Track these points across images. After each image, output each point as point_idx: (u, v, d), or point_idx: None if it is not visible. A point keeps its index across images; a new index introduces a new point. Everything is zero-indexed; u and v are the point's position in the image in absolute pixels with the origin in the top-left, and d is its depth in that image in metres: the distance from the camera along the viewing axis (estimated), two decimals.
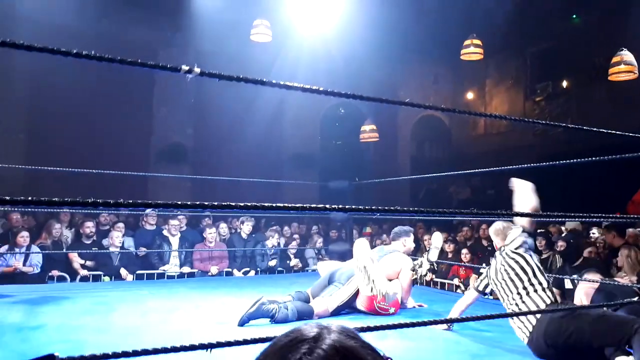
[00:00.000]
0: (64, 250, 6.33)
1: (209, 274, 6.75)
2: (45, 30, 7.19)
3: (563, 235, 6.24)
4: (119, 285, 5.91)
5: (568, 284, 5.16)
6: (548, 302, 3.06)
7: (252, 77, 1.66)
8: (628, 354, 2.76)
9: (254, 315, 3.86)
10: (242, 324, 3.82)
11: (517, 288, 3.14)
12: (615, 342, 2.75)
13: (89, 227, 6.47)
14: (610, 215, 4.23)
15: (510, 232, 3.40)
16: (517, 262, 3.22)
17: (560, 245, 5.70)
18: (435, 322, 2.72)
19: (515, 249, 3.28)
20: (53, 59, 1.67)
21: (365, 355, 0.63)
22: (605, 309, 3.07)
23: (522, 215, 3.26)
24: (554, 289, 5.17)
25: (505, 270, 3.24)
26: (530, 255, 3.27)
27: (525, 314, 2.99)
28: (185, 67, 1.46)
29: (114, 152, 8.84)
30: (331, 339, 0.63)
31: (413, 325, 1.93)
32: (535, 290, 3.10)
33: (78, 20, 8.28)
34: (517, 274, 3.18)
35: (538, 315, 2.98)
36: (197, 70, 1.50)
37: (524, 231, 3.33)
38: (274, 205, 1.54)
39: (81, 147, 8.67)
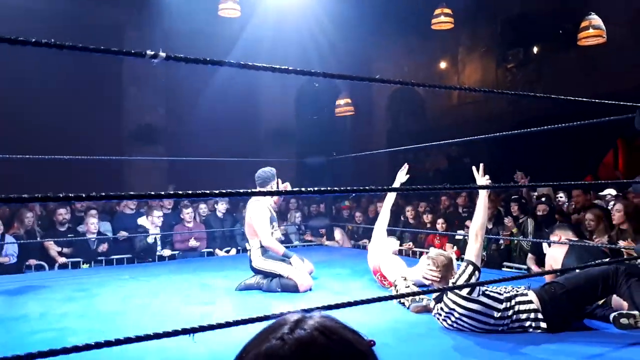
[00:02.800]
0: (39, 239, 6.22)
1: (190, 246, 6.71)
2: (7, 11, 6.91)
3: (543, 200, 6.36)
4: (98, 271, 5.86)
5: (546, 249, 5.30)
6: (531, 299, 2.99)
7: (221, 55, 1.63)
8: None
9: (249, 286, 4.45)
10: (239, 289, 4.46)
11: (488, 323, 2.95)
12: (605, 294, 2.96)
13: (62, 214, 6.36)
14: (580, 182, 4.35)
15: (459, 270, 3.06)
16: (476, 311, 2.91)
17: (541, 209, 5.81)
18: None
19: (468, 294, 2.90)
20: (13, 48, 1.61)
21: (347, 334, 0.64)
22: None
23: (489, 187, 3.25)
24: (530, 255, 5.33)
25: (466, 320, 2.95)
26: (483, 293, 2.94)
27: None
28: (150, 52, 1.42)
29: (85, 135, 8.64)
30: (313, 321, 0.64)
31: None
32: (515, 312, 2.96)
33: (42, 1, 7.97)
34: (480, 320, 2.93)
35: (535, 305, 2.97)
36: (162, 54, 1.46)
37: (475, 269, 2.99)
38: (249, 191, 1.53)
39: (50, 131, 8.44)
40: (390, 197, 4.95)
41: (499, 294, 3.01)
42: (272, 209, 4.77)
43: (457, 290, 2.94)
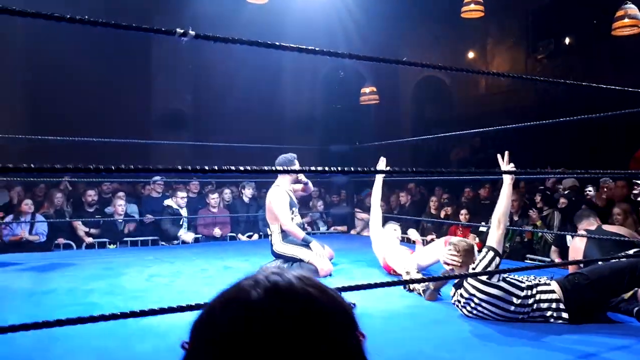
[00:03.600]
0: (68, 219, 6.40)
1: (214, 234, 6.83)
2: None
3: (566, 192, 6.26)
4: (124, 252, 6.00)
5: (570, 242, 5.23)
6: (553, 289, 2.96)
7: (248, 39, 1.65)
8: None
9: None
10: None
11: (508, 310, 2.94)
12: (630, 287, 2.91)
13: (91, 195, 6.53)
14: (615, 171, 4.26)
15: (479, 256, 3.05)
16: (496, 296, 2.90)
17: (562, 202, 5.73)
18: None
19: (488, 278, 2.91)
20: (47, 26, 1.65)
21: (327, 288, 0.59)
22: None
23: (519, 173, 3.22)
24: (553, 247, 5.27)
25: (485, 306, 2.93)
26: (504, 279, 2.94)
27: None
28: (180, 30, 1.45)
29: (113, 120, 8.81)
30: (295, 272, 0.60)
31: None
32: (535, 300, 2.94)
33: None
34: (499, 307, 2.91)
35: (558, 295, 2.93)
36: (192, 33, 1.49)
37: (496, 255, 2.98)
38: (272, 169, 1.55)
39: (79, 115, 8.64)
40: (377, 190, 4.88)
41: (520, 282, 2.99)
42: (292, 194, 4.80)
43: (479, 276, 2.94)
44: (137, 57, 9.59)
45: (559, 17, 10.71)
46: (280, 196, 4.61)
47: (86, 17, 1.30)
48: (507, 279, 2.96)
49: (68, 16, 1.24)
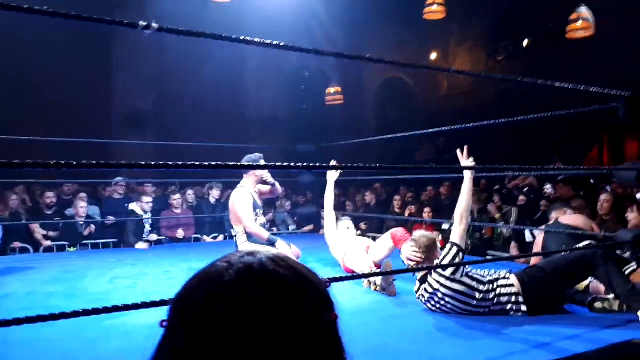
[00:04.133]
0: (24, 222, 6.18)
1: (177, 236, 6.72)
2: None
3: (524, 190, 6.46)
4: (84, 255, 5.85)
5: (529, 237, 5.41)
6: (510, 283, 3.04)
7: (212, 40, 1.64)
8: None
9: None
10: None
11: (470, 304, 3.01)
12: (584, 276, 3.02)
13: (50, 197, 6.33)
14: (570, 167, 4.42)
15: (443, 252, 3.09)
16: (459, 292, 2.97)
17: (521, 199, 5.92)
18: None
19: (452, 274, 2.96)
20: (2, 18, 1.60)
21: (300, 267, 0.61)
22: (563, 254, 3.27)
23: (479, 169, 3.30)
24: (513, 243, 5.43)
25: (449, 300, 3.00)
26: (467, 274, 3.01)
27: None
28: (143, 23, 1.42)
29: (73, 119, 8.56)
30: (268, 252, 0.62)
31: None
32: (495, 294, 3.02)
33: None
34: (462, 301, 2.99)
35: (516, 288, 3.01)
36: (155, 25, 1.47)
37: (460, 250, 3.03)
38: (238, 164, 1.55)
39: (36, 114, 8.37)
40: (329, 193, 4.90)
41: (482, 276, 3.07)
42: (256, 196, 4.78)
43: (440, 271, 2.99)
44: (97, 55, 9.35)
45: (518, 19, 11.04)
46: (244, 198, 4.58)
47: (45, 7, 1.27)
48: (470, 274, 3.03)
49: (26, 6, 1.21)
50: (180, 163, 1.44)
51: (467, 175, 3.26)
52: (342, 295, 3.37)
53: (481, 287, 3.00)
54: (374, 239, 6.98)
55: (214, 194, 7.35)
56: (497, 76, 2.74)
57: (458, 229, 3.11)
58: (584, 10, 5.98)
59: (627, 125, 8.59)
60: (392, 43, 12.83)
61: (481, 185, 7.33)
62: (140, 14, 8.78)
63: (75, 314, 1.38)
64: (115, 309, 1.45)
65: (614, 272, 2.93)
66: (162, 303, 1.56)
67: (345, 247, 4.50)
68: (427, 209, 6.70)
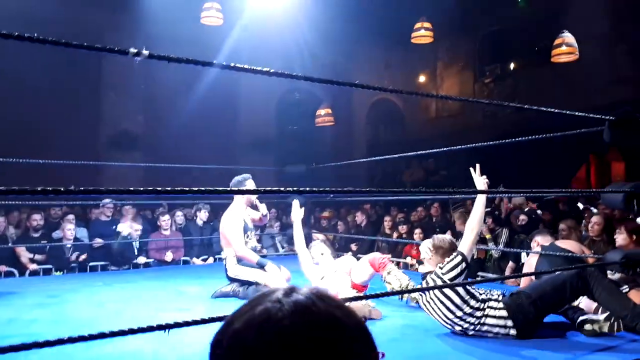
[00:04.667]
0: (10, 245, 6.08)
1: (166, 259, 6.64)
2: None
3: (526, 210, 6.49)
4: (71, 278, 5.75)
5: (524, 258, 5.42)
6: (500, 314, 3.03)
7: (202, 60, 1.65)
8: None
9: (225, 294, 4.46)
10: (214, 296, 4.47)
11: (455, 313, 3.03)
12: (574, 297, 3.02)
13: (37, 220, 6.23)
14: (562, 190, 4.45)
15: (452, 257, 3.12)
16: (450, 298, 3.01)
17: (522, 219, 5.99)
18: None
19: (450, 280, 3.01)
20: None
21: (341, 302, 0.62)
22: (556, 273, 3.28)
23: (469, 192, 3.33)
24: (510, 263, 5.46)
25: (437, 302, 3.05)
26: (464, 286, 3.05)
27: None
28: (133, 50, 1.43)
29: (61, 140, 8.51)
30: (307, 289, 0.62)
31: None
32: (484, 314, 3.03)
33: (14, 3, 7.84)
34: (450, 309, 3.02)
35: (506, 312, 3.00)
36: (145, 52, 1.47)
37: (463, 260, 3.06)
38: (228, 189, 1.54)
39: (23, 135, 8.31)
40: (298, 234, 4.60)
41: (479, 293, 3.08)
42: (247, 218, 4.74)
43: (440, 273, 3.05)
44: (87, 75, 9.34)
45: (504, 43, 11.24)
46: (234, 221, 4.55)
47: (35, 34, 1.27)
48: (467, 287, 3.05)
49: (16, 34, 1.21)
50: (169, 189, 1.43)
51: (481, 189, 3.27)
52: None
53: (472, 302, 3.00)
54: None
55: (202, 216, 7.29)
56: (484, 101, 2.79)
57: (467, 240, 3.13)
58: (568, 35, 6.12)
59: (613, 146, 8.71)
60: (381, 66, 13.00)
61: (468, 206, 7.36)
62: (133, 37, 8.83)
63: (60, 342, 1.35)
64: (101, 335, 1.42)
65: (610, 291, 2.93)
66: (150, 329, 1.54)
67: (322, 272, 4.32)
68: (417, 230, 6.70)
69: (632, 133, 2.87)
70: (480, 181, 3.27)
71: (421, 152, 4.71)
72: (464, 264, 3.05)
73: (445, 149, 4.98)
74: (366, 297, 3.15)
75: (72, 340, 1.36)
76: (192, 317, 3.71)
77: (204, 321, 1.58)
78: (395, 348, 2.93)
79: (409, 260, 6.54)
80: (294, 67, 10.10)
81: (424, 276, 3.23)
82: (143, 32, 9.11)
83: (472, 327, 3.01)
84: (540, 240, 4.32)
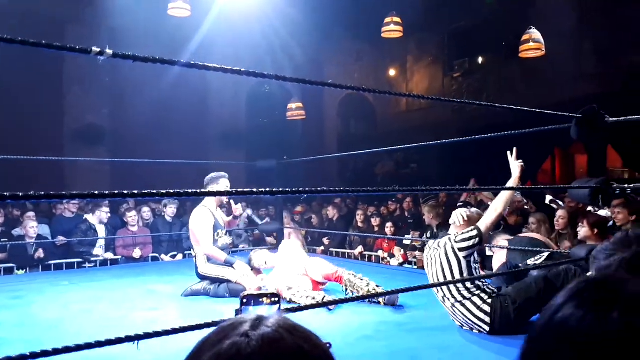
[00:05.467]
0: None
1: (134, 255, 6.51)
2: None
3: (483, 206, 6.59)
4: (35, 277, 5.57)
5: (489, 252, 5.51)
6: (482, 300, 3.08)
7: (171, 55, 1.59)
8: None
9: (196, 292, 4.38)
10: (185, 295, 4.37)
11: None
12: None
13: None
14: (532, 187, 4.52)
15: (469, 229, 3.17)
16: (450, 263, 3.10)
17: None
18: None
19: (460, 249, 3.11)
20: None
21: (308, 332, 0.63)
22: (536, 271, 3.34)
23: (441, 190, 3.36)
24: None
25: (437, 262, 3.16)
26: (474, 261, 3.17)
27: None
28: (96, 49, 1.37)
29: (23, 135, 8.22)
30: (274, 319, 0.62)
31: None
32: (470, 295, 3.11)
33: None
34: (444, 272, 3.12)
35: (488, 310, 3.04)
36: (109, 52, 1.41)
37: (478, 236, 3.10)
38: (199, 191, 1.50)
39: None
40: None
41: (478, 280, 3.15)
42: (218, 215, 4.67)
43: (454, 238, 3.13)
44: (47, 68, 9.02)
45: (473, 38, 11.38)
46: (203, 218, 4.47)
47: None
48: (473, 264, 3.14)
49: None
50: (136, 192, 1.38)
51: (516, 174, 3.30)
52: (308, 318, 3.35)
53: (467, 284, 3.07)
54: (337, 254, 6.96)
55: (169, 212, 7.15)
56: (455, 100, 2.80)
57: (487, 218, 3.17)
58: (534, 32, 6.22)
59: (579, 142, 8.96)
60: (351, 59, 12.99)
61: (441, 199, 7.45)
62: (95, 31, 8.56)
63: (22, 358, 1.29)
64: (66, 349, 1.37)
65: None
66: (118, 341, 1.49)
67: (281, 273, 4.31)
68: (389, 224, 6.74)
69: (597, 130, 2.93)
70: (516, 165, 3.31)
71: (391, 147, 4.73)
72: (477, 239, 3.09)
73: (413, 144, 5.01)
74: (343, 301, 3.14)
75: (34, 356, 1.30)
76: (162, 317, 3.66)
77: (175, 331, 1.54)
78: (369, 345, 2.94)
79: (380, 253, 6.59)
80: (265, 60, 10.00)
81: (440, 235, 3.32)
82: (106, 24, 8.85)
83: (452, 299, 3.09)
84: (500, 238, 4.40)
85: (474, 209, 3.50)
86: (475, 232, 3.11)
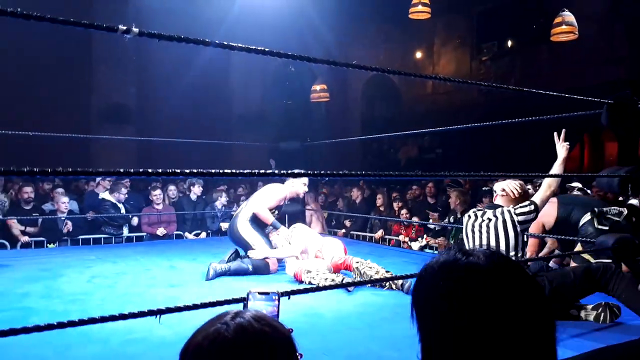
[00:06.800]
0: (1, 217, 6.03)
1: (158, 233, 6.63)
2: None
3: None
4: (63, 252, 5.73)
5: None
6: None
7: (196, 35, 1.60)
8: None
9: (220, 273, 4.27)
10: (208, 279, 4.18)
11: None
12: (593, 290, 3.03)
13: (27, 192, 6.17)
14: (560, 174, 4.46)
15: (526, 203, 3.17)
16: (506, 231, 3.10)
17: None
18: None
19: (518, 221, 3.10)
20: None
21: (273, 322, 0.83)
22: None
23: (466, 176, 3.31)
24: None
25: (497, 232, 3.13)
26: (523, 233, 3.17)
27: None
28: (122, 27, 1.37)
29: (52, 113, 8.40)
30: (250, 313, 0.83)
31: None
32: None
33: None
34: (497, 241, 3.10)
35: None
36: (135, 30, 1.42)
37: (535, 210, 3.12)
38: (221, 171, 1.51)
39: (17, 107, 8.18)
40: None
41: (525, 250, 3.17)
42: (285, 201, 4.98)
43: (514, 212, 3.11)
44: (77, 48, 9.14)
45: (502, 20, 11.10)
46: (279, 190, 4.79)
47: (19, 9, 1.21)
48: (525, 236, 3.16)
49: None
50: (160, 170, 1.40)
51: (562, 154, 3.28)
52: (328, 298, 3.38)
53: (519, 253, 3.05)
54: (358, 237, 6.96)
55: (195, 191, 7.25)
56: (482, 84, 2.73)
57: (541, 193, 3.20)
58: (568, 14, 6.03)
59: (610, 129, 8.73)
60: (378, 41, 12.82)
61: (465, 187, 7.37)
62: (121, 10, 8.61)
63: (49, 327, 1.33)
64: (91, 321, 1.41)
65: (634, 291, 2.83)
66: (140, 314, 1.52)
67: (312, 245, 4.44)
68: (403, 211, 6.72)
69: (630, 117, 2.84)
70: (560, 147, 3.31)
71: (414, 131, 4.67)
72: (534, 214, 3.13)
73: (438, 129, 4.94)
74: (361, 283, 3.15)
75: (61, 325, 1.34)
76: (184, 294, 3.73)
77: (195, 307, 1.57)
78: (385, 329, 2.96)
79: (401, 238, 6.57)
80: (291, 40, 9.94)
81: (493, 207, 3.26)
82: (133, 3, 8.90)
83: None
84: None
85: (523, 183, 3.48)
86: (532, 207, 3.13)
